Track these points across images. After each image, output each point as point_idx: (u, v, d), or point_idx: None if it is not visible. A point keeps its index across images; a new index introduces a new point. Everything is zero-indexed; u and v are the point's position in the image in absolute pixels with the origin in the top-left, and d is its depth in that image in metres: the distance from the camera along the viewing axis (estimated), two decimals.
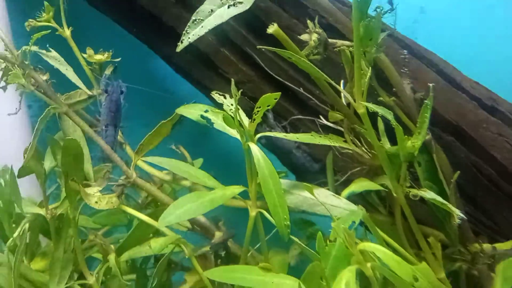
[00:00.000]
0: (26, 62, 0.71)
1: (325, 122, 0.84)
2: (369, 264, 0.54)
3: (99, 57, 0.85)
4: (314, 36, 0.77)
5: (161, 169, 0.85)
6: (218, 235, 0.81)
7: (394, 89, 0.78)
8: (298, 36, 0.78)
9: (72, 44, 0.84)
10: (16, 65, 0.71)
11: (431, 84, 0.67)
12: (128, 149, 0.86)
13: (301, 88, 0.91)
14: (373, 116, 0.72)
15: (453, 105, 0.87)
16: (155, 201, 0.82)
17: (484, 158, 0.86)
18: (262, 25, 0.88)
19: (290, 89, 0.92)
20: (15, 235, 0.74)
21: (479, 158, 0.86)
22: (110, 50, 0.86)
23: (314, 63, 0.71)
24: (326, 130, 0.84)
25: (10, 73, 0.69)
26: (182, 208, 0.64)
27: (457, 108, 0.87)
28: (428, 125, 0.68)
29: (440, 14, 1.21)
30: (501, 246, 0.78)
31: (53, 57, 0.72)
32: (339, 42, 0.77)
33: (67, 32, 0.83)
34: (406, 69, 0.83)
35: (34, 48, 0.72)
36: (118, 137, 0.85)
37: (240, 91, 0.66)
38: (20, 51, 0.72)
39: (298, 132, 0.82)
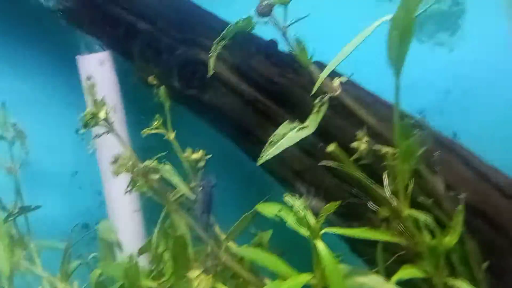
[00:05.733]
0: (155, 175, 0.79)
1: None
2: None
3: (195, 156, 0.92)
4: (363, 145, 0.81)
5: None
6: None
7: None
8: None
9: (176, 145, 0.93)
10: (141, 175, 0.80)
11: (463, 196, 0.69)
12: (217, 229, 0.92)
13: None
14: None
15: (479, 194, 0.88)
16: (237, 275, 0.87)
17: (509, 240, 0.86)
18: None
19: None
20: None
21: (504, 239, 0.86)
22: (204, 150, 0.94)
23: None
24: None
25: (137, 184, 0.78)
26: None
27: (483, 197, 0.88)
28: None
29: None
30: None
31: (167, 170, 0.80)
32: (384, 149, 0.81)
33: (171, 135, 0.93)
34: (439, 167, 0.85)
35: (154, 163, 0.80)
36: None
37: None
38: (144, 165, 0.81)
39: None
